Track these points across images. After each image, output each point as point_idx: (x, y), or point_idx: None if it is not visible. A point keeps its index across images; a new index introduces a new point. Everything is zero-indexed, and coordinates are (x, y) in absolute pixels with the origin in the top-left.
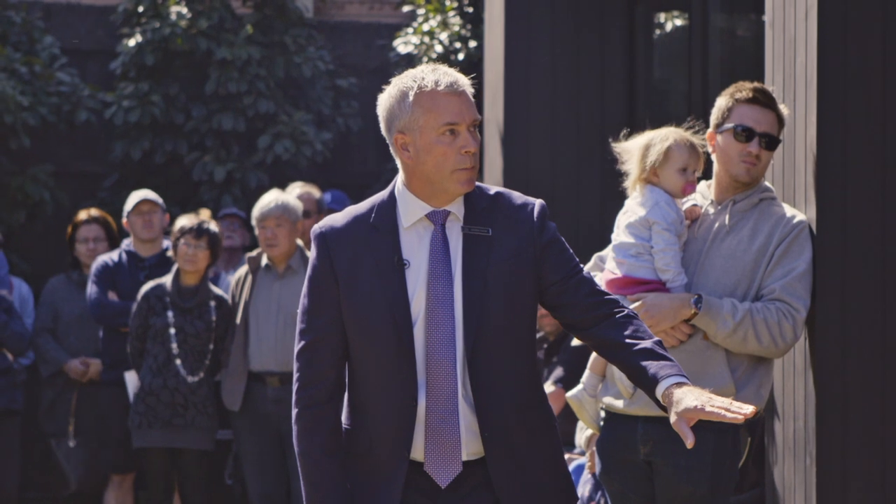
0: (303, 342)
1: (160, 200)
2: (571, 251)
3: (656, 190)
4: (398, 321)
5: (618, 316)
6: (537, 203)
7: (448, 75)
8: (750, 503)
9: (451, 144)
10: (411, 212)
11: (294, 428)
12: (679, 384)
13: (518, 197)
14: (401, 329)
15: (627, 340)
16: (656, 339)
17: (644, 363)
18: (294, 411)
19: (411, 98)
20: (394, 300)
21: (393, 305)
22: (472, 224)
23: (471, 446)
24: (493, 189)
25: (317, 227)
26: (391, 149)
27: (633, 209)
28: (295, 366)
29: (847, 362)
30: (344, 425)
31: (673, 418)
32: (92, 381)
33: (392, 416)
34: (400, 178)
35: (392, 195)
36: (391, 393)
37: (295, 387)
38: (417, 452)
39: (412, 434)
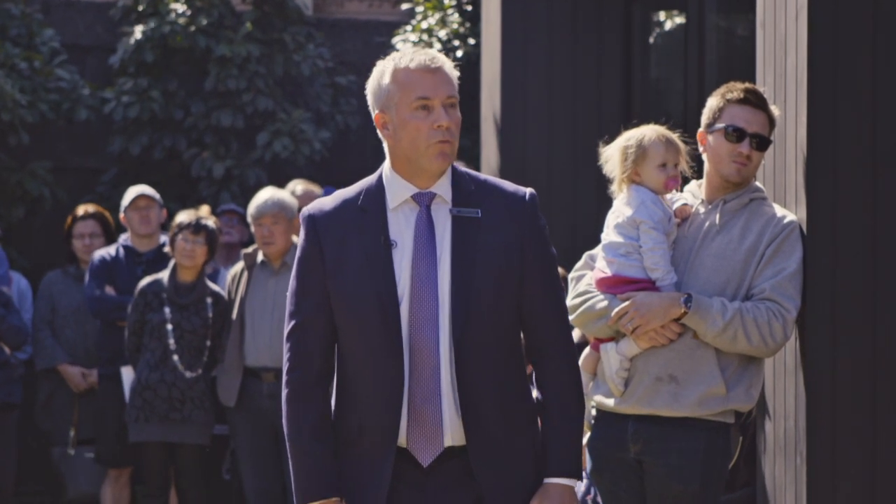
0: (291, 324)
1: (157, 196)
2: (554, 265)
3: (641, 189)
4: (384, 300)
5: (554, 370)
6: (528, 190)
7: (424, 54)
8: (741, 502)
9: (425, 119)
10: (397, 193)
11: (283, 411)
12: (552, 485)
13: (509, 184)
14: (387, 308)
15: (548, 406)
16: (564, 415)
17: (548, 443)
18: (284, 394)
19: (388, 77)
20: (380, 280)
21: (379, 285)
22: (460, 206)
23: (454, 430)
24: (482, 175)
25: (305, 210)
26: (378, 131)
27: (620, 209)
28: (284, 348)
29: (837, 362)
30: (333, 412)
31: None
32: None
33: (380, 397)
34: (387, 161)
35: (380, 178)
36: (379, 373)
37: (284, 369)
38: (401, 435)
39: (399, 416)
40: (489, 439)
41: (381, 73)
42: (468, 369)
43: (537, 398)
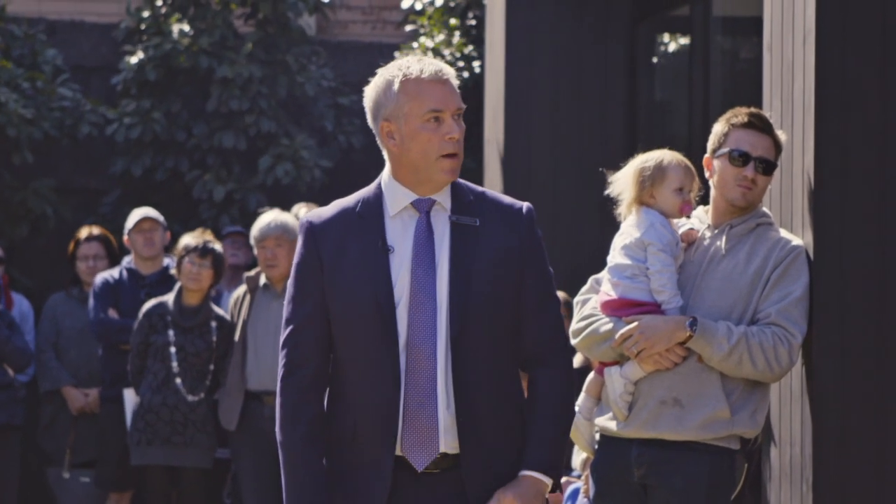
0: (288, 329)
1: (161, 218)
2: (551, 273)
3: (651, 212)
4: (381, 303)
5: (547, 378)
6: (525, 204)
7: (432, 64)
8: None
9: (436, 131)
10: (397, 200)
11: (277, 415)
12: (523, 476)
13: (506, 197)
14: (384, 311)
15: (534, 404)
16: (548, 413)
17: (528, 437)
18: (278, 400)
19: (397, 86)
20: (377, 283)
21: (376, 288)
22: (459, 214)
23: (450, 435)
24: (480, 188)
25: (304, 218)
26: (377, 138)
27: (628, 231)
28: (280, 354)
29: (844, 388)
30: (327, 413)
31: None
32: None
33: (377, 401)
34: (386, 169)
35: (378, 186)
36: (376, 377)
37: (280, 374)
38: (396, 441)
39: (398, 419)
40: (483, 447)
41: (388, 82)
42: (464, 375)
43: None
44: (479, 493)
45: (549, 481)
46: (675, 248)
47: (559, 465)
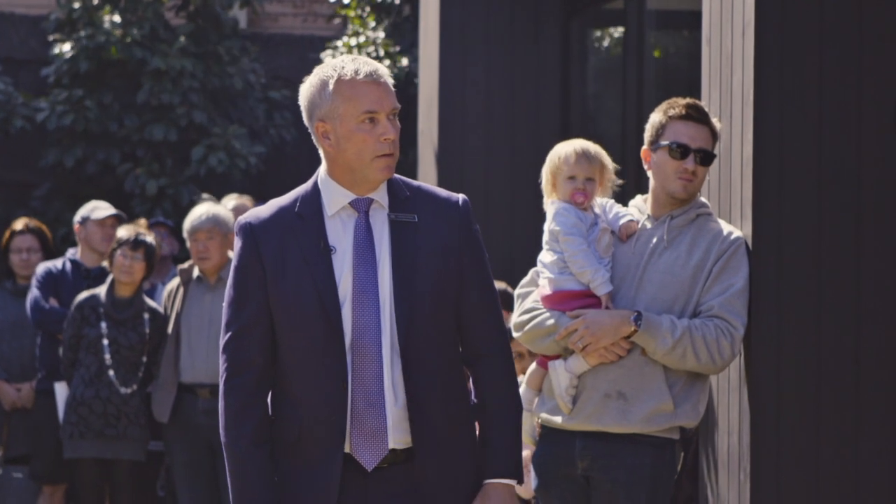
0: (230, 333)
1: (124, 216)
2: (489, 269)
3: (556, 201)
4: (326, 304)
5: (491, 372)
6: (461, 197)
7: (367, 64)
8: None
9: (371, 132)
10: (335, 200)
11: (221, 418)
12: (492, 485)
13: (442, 190)
14: (329, 312)
15: (486, 407)
16: (502, 415)
17: (487, 443)
18: (221, 403)
19: (331, 87)
20: (321, 284)
21: (320, 289)
22: (397, 211)
23: (398, 432)
24: (415, 182)
25: (241, 219)
26: (313, 138)
27: (546, 226)
28: (221, 358)
29: (782, 378)
30: (271, 415)
31: None
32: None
33: (323, 402)
34: (323, 168)
35: (315, 185)
36: (322, 378)
37: (222, 378)
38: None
39: (346, 419)
40: (435, 440)
41: (322, 83)
42: (414, 371)
43: (474, 399)
44: (433, 487)
45: (514, 483)
46: (584, 227)
47: (520, 462)
